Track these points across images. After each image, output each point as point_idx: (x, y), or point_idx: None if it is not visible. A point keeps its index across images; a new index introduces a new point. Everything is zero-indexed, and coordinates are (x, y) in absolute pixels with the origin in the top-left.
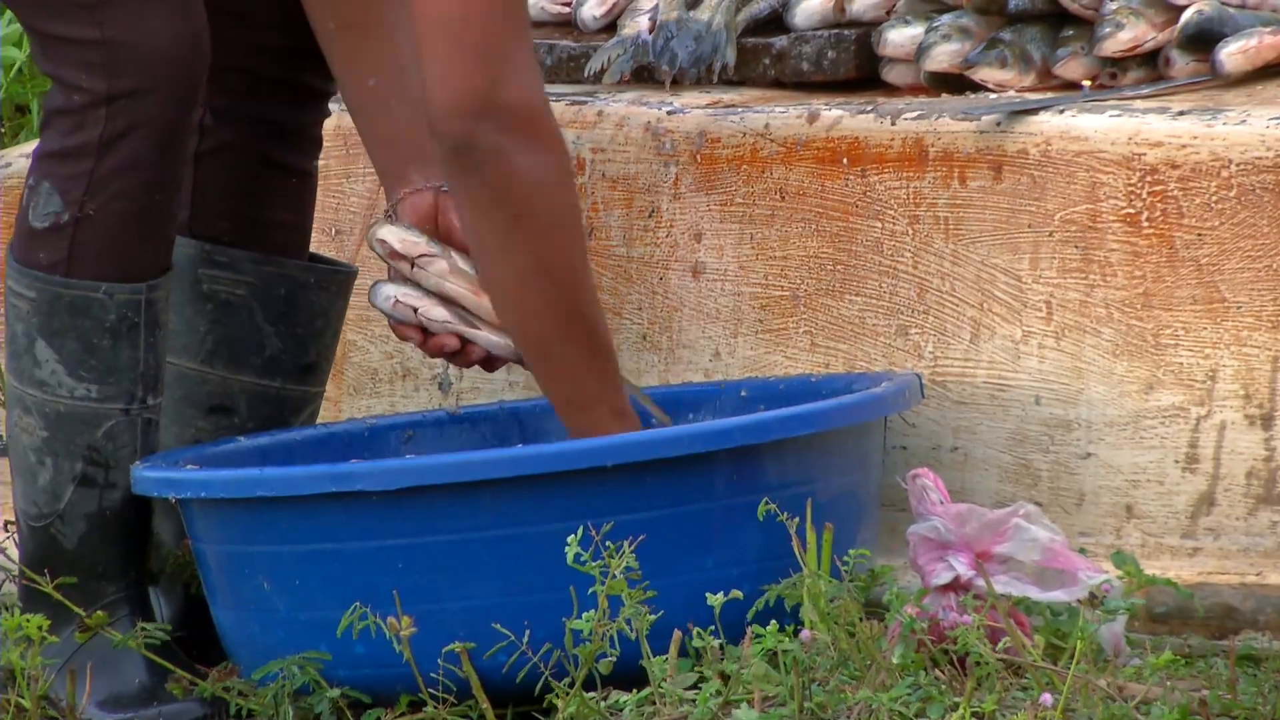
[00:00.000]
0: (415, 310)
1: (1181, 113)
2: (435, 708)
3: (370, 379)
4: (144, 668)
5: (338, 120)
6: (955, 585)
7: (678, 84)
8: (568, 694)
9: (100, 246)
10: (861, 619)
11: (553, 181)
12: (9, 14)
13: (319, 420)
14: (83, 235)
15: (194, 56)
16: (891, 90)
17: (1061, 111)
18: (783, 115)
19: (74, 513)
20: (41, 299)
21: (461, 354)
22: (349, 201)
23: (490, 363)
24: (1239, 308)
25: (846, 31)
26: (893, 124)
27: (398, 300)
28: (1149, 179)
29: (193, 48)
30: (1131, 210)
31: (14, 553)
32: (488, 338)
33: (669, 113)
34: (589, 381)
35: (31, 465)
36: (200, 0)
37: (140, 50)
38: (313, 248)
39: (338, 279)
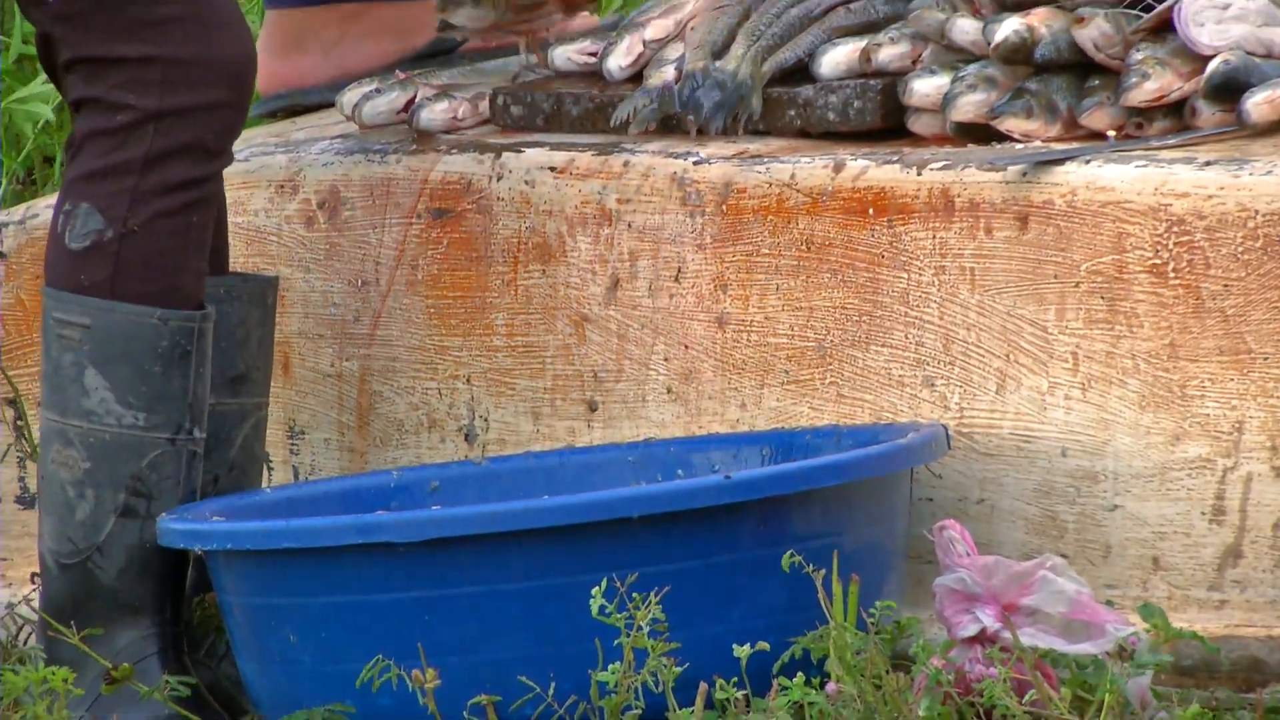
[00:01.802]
0: None
1: (1208, 163)
2: None
3: (396, 430)
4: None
5: (365, 170)
6: (981, 637)
7: (703, 134)
8: None
9: (146, 264)
10: (888, 671)
11: None
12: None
13: (347, 471)
14: (127, 252)
15: (248, 78)
16: (918, 140)
17: (1087, 162)
18: (808, 165)
19: (114, 545)
20: (96, 325)
21: None
22: (376, 252)
23: None
24: (1265, 358)
25: (872, 81)
26: (919, 174)
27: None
28: (1175, 229)
29: (247, 69)
30: (1158, 261)
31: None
32: None
33: (695, 163)
34: None
35: (69, 500)
36: (246, 24)
37: (198, 67)
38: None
39: (248, 288)
